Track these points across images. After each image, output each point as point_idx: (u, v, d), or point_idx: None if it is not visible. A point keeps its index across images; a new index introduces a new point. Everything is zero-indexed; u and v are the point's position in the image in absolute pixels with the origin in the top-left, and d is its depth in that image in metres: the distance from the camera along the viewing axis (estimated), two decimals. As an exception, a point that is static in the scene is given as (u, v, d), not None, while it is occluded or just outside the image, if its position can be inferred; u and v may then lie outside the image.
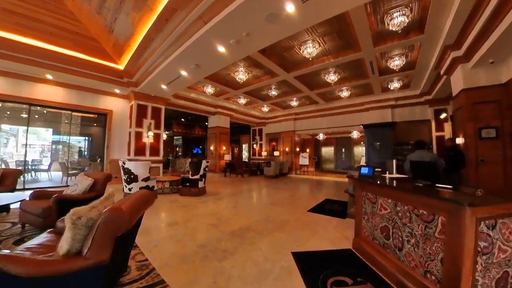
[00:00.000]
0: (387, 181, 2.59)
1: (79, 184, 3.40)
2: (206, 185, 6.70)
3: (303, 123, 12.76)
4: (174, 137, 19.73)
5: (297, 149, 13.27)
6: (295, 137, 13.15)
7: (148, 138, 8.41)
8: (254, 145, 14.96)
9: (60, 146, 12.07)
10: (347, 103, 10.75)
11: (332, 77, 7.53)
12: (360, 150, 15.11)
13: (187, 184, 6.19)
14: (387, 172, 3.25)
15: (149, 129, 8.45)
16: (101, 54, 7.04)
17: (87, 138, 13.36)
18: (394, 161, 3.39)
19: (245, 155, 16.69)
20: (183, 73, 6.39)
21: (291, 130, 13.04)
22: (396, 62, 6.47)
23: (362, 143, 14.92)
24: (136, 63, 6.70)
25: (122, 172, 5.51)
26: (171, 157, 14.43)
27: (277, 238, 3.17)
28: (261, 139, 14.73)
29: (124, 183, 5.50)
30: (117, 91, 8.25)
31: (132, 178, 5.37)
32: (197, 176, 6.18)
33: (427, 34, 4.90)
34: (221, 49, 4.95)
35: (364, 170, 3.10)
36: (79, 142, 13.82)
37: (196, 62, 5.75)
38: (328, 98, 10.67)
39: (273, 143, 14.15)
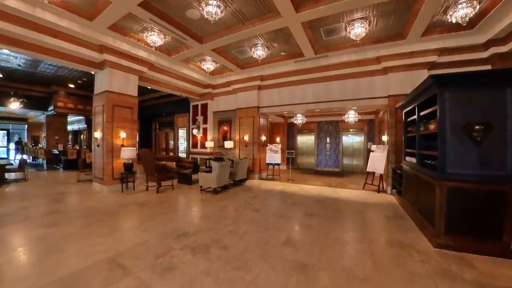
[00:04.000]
0: None
1: None
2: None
3: (274, 94, 8.25)
4: (68, 117, 13.31)
5: (263, 138, 8.82)
6: (260, 118, 8.63)
7: None
8: (195, 131, 9.98)
9: None
10: (352, 59, 6.54)
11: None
12: (350, 140, 11.49)
13: None
14: None
15: None
16: None
17: None
18: None
19: (183, 146, 11.61)
20: None
21: (254, 106, 8.44)
22: None
23: (352, 130, 11.30)
24: None
25: None
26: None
27: None
28: (205, 121, 9.81)
29: None
30: None
31: None
32: None
33: None
34: None
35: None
36: None
37: None
38: (322, 45, 6.27)
39: (225, 128, 9.40)
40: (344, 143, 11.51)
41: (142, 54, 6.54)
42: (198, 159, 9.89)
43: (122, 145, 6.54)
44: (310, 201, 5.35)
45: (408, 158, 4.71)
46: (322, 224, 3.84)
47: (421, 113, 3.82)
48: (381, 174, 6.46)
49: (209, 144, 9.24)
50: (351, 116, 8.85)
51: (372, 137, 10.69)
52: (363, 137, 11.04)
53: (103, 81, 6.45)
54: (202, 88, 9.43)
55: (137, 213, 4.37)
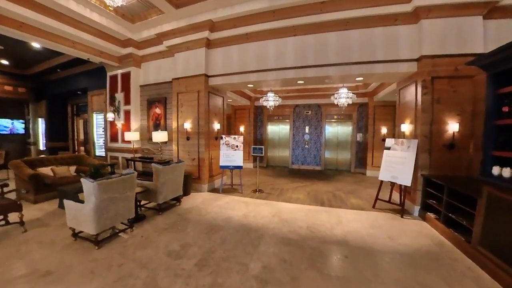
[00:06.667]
0: None
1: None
2: None
3: (232, 54, 5.22)
4: None
5: (216, 126, 5.84)
6: (210, 95, 5.61)
7: None
8: (110, 115, 6.54)
9: None
10: (363, -13, 3.85)
11: None
12: (335, 131, 9.16)
13: None
14: None
15: None
16: None
17: None
18: None
19: (103, 139, 8.02)
20: None
21: (200, 73, 5.34)
22: None
23: (337, 117, 8.98)
24: None
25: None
26: None
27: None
28: (127, 101, 6.42)
29: None
30: None
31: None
32: None
33: None
34: None
35: None
36: None
37: None
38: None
39: (157, 110, 6.17)
40: (327, 133, 9.12)
41: None
42: (120, 159, 6.58)
43: None
44: (296, 262, 2.58)
45: (497, 170, 2.23)
46: None
47: None
48: (404, 186, 4.02)
49: (132, 136, 5.94)
50: (343, 96, 6.32)
51: (363, 126, 8.43)
52: (351, 127, 8.74)
53: None
54: (119, 46, 5.98)
55: None
